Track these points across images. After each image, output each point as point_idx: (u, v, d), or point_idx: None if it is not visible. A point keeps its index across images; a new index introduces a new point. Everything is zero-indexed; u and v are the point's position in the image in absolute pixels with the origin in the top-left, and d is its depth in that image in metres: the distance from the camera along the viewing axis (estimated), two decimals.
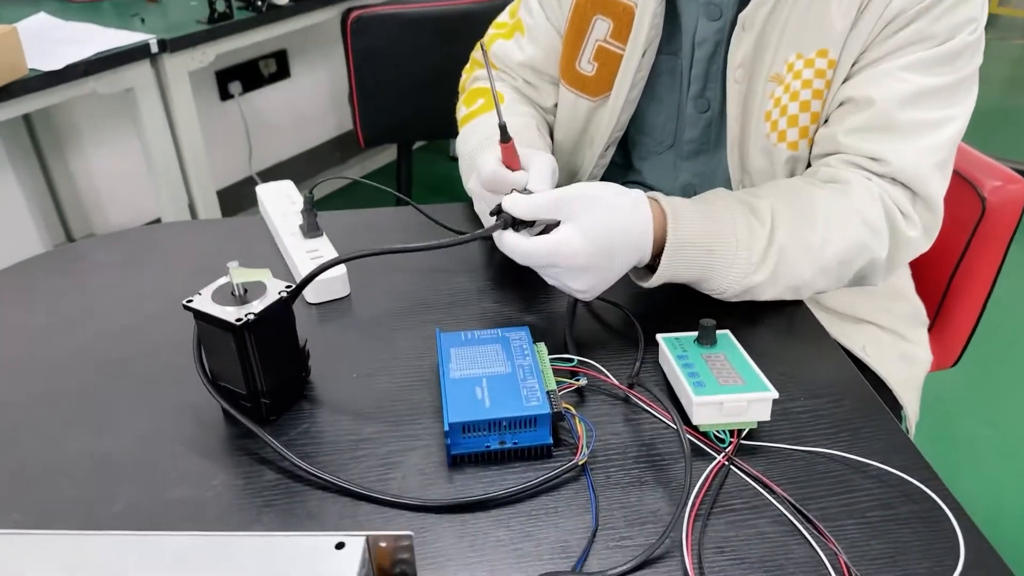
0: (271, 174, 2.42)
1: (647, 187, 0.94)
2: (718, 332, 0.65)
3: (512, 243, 0.65)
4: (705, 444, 0.59)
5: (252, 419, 0.61)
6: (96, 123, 2.01)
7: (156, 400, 0.64)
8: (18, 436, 0.61)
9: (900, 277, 0.96)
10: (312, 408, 0.63)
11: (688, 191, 0.89)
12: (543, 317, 0.74)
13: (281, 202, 0.87)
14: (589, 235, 0.63)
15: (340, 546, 0.44)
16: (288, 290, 0.60)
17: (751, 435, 0.60)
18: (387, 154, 2.80)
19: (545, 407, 0.57)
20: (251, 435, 0.59)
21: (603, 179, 0.92)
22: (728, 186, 0.84)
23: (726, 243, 0.68)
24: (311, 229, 0.81)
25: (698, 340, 0.64)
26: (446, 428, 0.56)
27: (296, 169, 2.51)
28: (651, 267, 0.69)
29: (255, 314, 0.57)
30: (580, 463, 0.56)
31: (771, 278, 0.69)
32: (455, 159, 2.86)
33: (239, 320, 0.57)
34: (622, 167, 0.97)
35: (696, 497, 0.54)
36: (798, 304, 0.75)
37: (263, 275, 0.59)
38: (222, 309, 0.58)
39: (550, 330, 0.72)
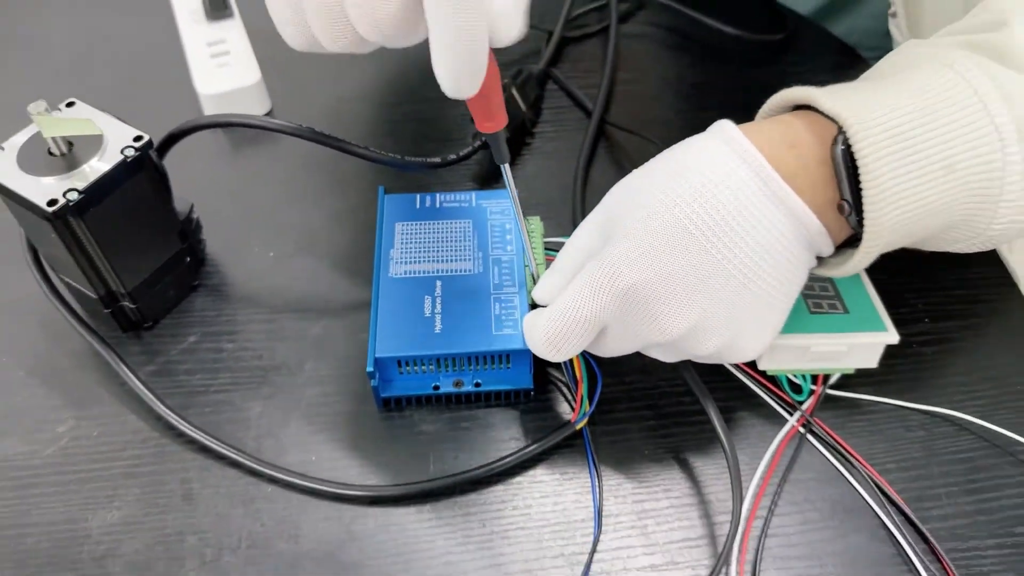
0: None
1: None
2: None
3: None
4: (773, 395, 0.39)
5: (119, 327, 0.43)
6: None
7: None
8: None
9: None
10: (207, 307, 0.44)
11: None
12: (552, 163, 0.51)
13: None
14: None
15: None
16: (138, 145, 0.38)
17: (846, 382, 0.40)
18: None
19: (522, 338, 0.37)
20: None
21: None
22: None
23: (975, 139, 0.31)
24: (215, 8, 0.55)
25: None
26: (369, 367, 0.37)
27: None
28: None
29: (80, 191, 0.36)
30: (576, 427, 0.38)
31: None
32: None
33: (53, 203, 0.35)
34: None
35: (751, 506, 0.36)
36: None
37: (88, 125, 0.37)
38: (33, 181, 0.36)
39: (554, 190, 0.49)
